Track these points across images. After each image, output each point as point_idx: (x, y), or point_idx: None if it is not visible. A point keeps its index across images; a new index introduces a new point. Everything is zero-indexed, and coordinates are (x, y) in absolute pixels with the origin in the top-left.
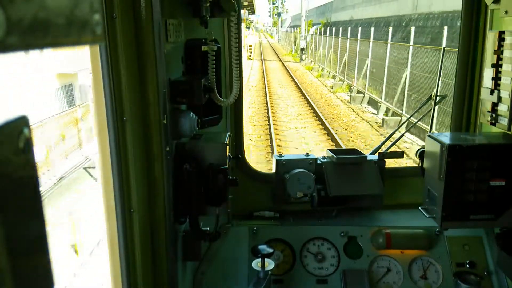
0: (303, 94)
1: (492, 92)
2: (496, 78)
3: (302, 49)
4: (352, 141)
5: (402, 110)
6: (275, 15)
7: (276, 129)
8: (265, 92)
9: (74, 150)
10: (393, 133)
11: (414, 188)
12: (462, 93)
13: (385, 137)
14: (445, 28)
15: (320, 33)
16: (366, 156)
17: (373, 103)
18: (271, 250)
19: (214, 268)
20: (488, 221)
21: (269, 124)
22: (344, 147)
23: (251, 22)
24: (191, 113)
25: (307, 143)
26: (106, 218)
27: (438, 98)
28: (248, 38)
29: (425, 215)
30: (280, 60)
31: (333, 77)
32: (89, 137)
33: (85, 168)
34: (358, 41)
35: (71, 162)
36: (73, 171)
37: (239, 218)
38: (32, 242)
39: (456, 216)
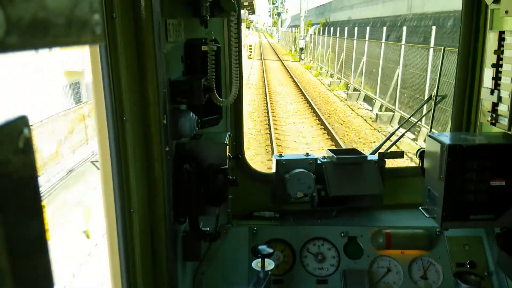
0: (301, 92)
1: (492, 92)
2: (496, 78)
3: (301, 49)
4: (347, 134)
5: (395, 106)
6: (275, 15)
7: (275, 124)
8: (265, 90)
9: (81, 145)
10: (393, 133)
11: (414, 188)
12: (462, 93)
13: (377, 131)
14: (434, 28)
15: (319, 33)
16: (366, 156)
17: (368, 100)
18: (271, 250)
19: (214, 268)
20: (488, 221)
21: (269, 120)
22: (339, 140)
23: (251, 22)
24: (191, 113)
25: (305, 136)
26: (106, 218)
27: (438, 98)
28: (248, 38)
29: (425, 215)
30: (280, 60)
31: (331, 75)
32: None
33: (92, 162)
34: (355, 40)
35: (79, 156)
36: (81, 165)
37: (239, 218)
38: (32, 242)
39: (456, 216)
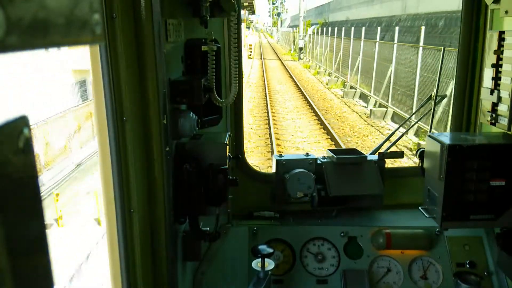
0: (300, 90)
1: (492, 92)
2: (496, 78)
3: (301, 48)
4: (343, 129)
5: (388, 102)
6: (275, 15)
7: (274, 119)
8: (265, 88)
9: (88, 141)
10: (393, 133)
11: (414, 188)
12: (462, 93)
13: (370, 125)
14: (423, 28)
15: (318, 33)
16: (366, 156)
17: (364, 97)
18: (271, 250)
19: (214, 268)
20: (488, 221)
21: (268, 116)
22: (335, 134)
23: (251, 22)
24: (191, 113)
25: (302, 131)
26: (106, 218)
27: (438, 98)
28: (248, 37)
29: (425, 215)
30: (279, 59)
31: (329, 74)
32: None
33: None
34: (351, 40)
35: (87, 151)
36: (89, 159)
37: (239, 218)
38: (32, 242)
39: (456, 216)
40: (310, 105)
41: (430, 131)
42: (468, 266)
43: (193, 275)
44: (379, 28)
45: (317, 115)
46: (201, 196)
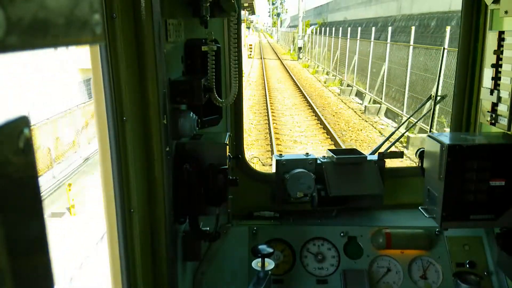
0: (298, 88)
1: (492, 92)
2: (496, 78)
3: (300, 48)
4: (338, 124)
5: (382, 99)
6: (275, 15)
7: (273, 115)
8: (264, 86)
9: (95, 136)
10: (393, 133)
11: (414, 188)
12: (462, 93)
13: (365, 120)
14: (413, 28)
15: (317, 33)
16: (366, 156)
17: (359, 94)
18: (271, 250)
19: (214, 268)
20: (488, 221)
21: (267, 112)
22: (331, 129)
23: (251, 22)
24: (191, 113)
25: (300, 126)
26: (106, 218)
27: (438, 98)
28: (248, 38)
29: (425, 215)
30: (279, 59)
31: (327, 73)
32: None
33: None
34: (348, 40)
35: (94, 146)
36: (96, 154)
37: (239, 218)
38: (32, 242)
39: (456, 216)
40: (308, 102)
41: (430, 131)
42: (468, 266)
43: (193, 275)
44: (373, 28)
45: (314, 111)
46: (201, 196)
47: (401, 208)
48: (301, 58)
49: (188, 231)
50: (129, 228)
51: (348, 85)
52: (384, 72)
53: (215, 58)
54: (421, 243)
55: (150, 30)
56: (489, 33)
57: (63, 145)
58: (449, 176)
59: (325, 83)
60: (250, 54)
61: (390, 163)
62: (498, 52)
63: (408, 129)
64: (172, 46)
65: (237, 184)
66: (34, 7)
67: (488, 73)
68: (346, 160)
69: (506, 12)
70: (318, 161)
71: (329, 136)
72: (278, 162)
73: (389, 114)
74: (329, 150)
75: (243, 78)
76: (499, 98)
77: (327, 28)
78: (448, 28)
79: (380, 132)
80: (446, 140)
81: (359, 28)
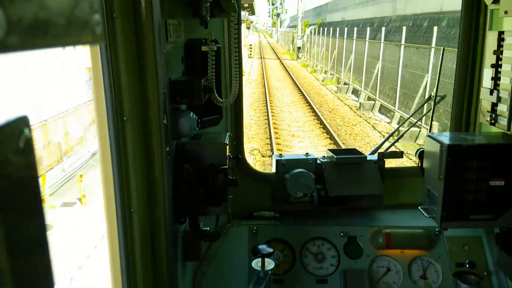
0: (297, 87)
1: (491, 92)
2: (496, 78)
3: (299, 48)
4: (334, 119)
5: (376, 96)
6: (274, 15)
7: (272, 112)
8: (264, 85)
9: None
10: (393, 133)
11: (414, 188)
12: (461, 93)
13: (359, 116)
14: (404, 28)
15: (316, 33)
16: (366, 156)
17: (355, 92)
18: (271, 250)
19: (214, 268)
20: (488, 221)
21: (267, 109)
22: (327, 124)
23: (251, 22)
24: (191, 113)
25: (298, 121)
26: (106, 218)
27: (438, 98)
28: (248, 38)
29: (425, 215)
30: (279, 58)
31: (325, 72)
32: None
33: None
34: (345, 39)
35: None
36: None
37: (239, 218)
38: (32, 242)
39: (456, 216)
40: (306, 99)
41: (430, 131)
42: (467, 266)
43: (193, 275)
44: (368, 29)
45: (312, 108)
46: (201, 196)
47: (401, 208)
48: (300, 58)
49: (188, 231)
50: (129, 228)
51: (345, 83)
52: (378, 70)
53: (215, 58)
54: (421, 243)
55: (150, 30)
56: (488, 33)
57: (72, 140)
58: (449, 176)
59: (323, 81)
60: (250, 54)
61: (390, 163)
62: (498, 52)
63: (407, 129)
64: (172, 46)
65: (237, 184)
66: (34, 7)
67: (487, 73)
68: (346, 160)
69: (506, 12)
70: (318, 161)
71: (325, 131)
72: (278, 162)
73: (382, 110)
74: (329, 150)
75: (244, 77)
76: (498, 98)
77: (326, 28)
78: (435, 28)
79: (373, 126)
80: (446, 140)
81: (356, 28)
